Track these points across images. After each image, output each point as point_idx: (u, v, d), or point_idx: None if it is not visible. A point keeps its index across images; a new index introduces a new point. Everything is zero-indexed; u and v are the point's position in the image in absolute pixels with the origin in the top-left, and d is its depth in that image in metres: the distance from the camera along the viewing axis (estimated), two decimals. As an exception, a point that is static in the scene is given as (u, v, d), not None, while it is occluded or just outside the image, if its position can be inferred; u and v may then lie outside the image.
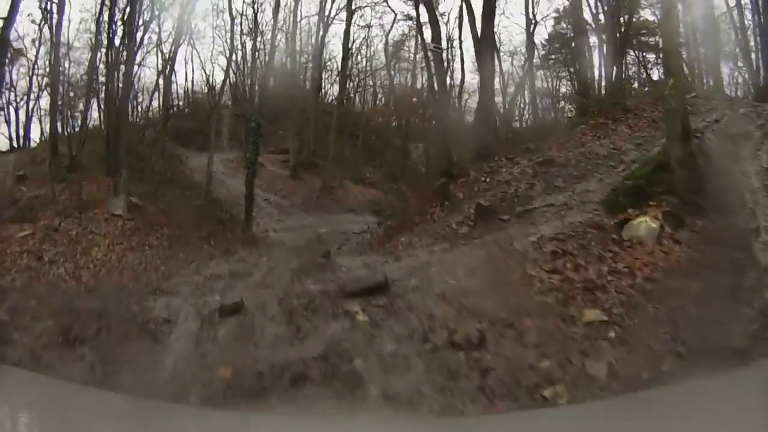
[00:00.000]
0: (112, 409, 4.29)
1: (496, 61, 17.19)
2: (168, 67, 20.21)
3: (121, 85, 18.69)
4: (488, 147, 14.93)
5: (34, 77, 21.73)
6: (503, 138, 15.92)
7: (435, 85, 17.75)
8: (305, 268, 10.70)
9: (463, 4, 17.08)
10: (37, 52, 21.02)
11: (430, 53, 16.93)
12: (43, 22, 19.60)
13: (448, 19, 22.63)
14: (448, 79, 21.67)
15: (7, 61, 19.43)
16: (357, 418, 6.55)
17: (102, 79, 19.35)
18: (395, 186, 21.31)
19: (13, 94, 21.68)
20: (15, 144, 21.99)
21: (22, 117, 21.57)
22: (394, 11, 21.98)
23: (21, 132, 21.95)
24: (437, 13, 16.42)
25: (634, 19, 18.41)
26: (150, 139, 20.84)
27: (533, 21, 21.08)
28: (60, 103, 20.08)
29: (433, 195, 14.10)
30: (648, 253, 9.69)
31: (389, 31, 22.36)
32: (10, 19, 18.10)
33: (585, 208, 11.41)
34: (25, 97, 21.89)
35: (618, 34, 18.55)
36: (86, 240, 12.18)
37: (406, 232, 13.02)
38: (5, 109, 21.78)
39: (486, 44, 16.06)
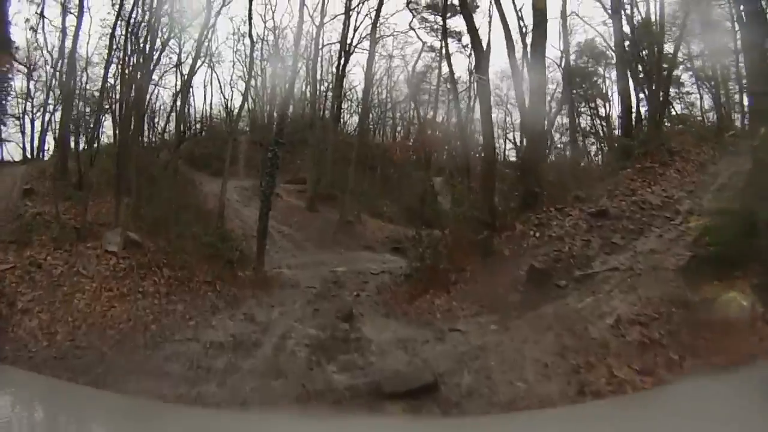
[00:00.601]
0: (112, 409, 3.91)
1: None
2: (185, 88, 17.59)
3: (132, 97, 16.13)
4: (535, 194, 12.26)
5: (51, 90, 19.13)
6: (547, 183, 13.11)
7: (477, 117, 15.05)
8: (325, 343, 8.05)
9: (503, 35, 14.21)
10: (56, 64, 18.48)
11: (475, 84, 14.32)
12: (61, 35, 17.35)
13: (470, 52, 20.45)
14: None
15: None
16: (357, 418, 5.86)
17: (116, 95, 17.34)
18: (418, 226, 18.77)
19: (30, 104, 19.85)
20: (29, 155, 20.14)
21: (38, 128, 19.71)
22: (421, 39, 19.49)
23: (36, 143, 20.10)
24: (480, 42, 13.68)
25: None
26: (164, 161, 18.16)
27: (562, 54, 18.52)
28: (73, 116, 17.88)
29: (472, 248, 11.36)
30: (744, 338, 7.44)
31: (416, 61, 19.75)
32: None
33: (658, 276, 9.16)
34: (42, 109, 19.69)
35: (650, 68, 15.86)
36: (70, 283, 9.67)
37: (441, 291, 10.41)
38: (21, 119, 20.00)
39: (536, 80, 13.39)
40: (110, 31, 15.95)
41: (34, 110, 19.90)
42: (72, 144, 17.79)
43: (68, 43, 17.62)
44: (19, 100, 19.92)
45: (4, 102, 20.02)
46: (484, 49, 14.02)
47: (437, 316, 9.68)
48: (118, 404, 4.36)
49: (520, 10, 16.09)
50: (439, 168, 22.66)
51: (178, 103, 19.30)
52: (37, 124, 20.03)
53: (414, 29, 19.72)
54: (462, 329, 8.57)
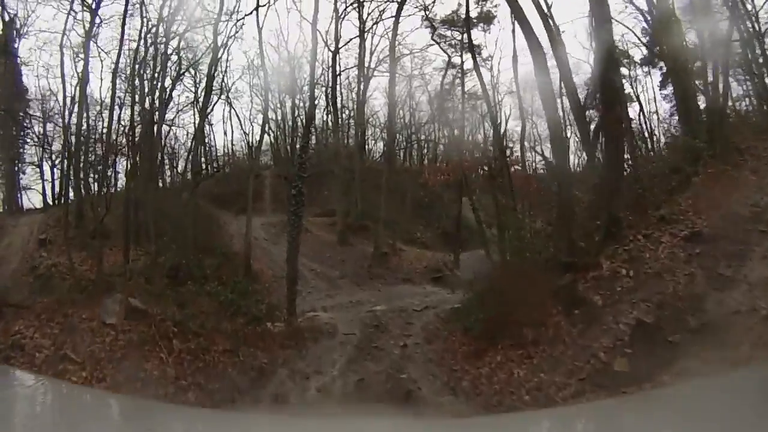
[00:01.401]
0: (112, 409, 3.75)
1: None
2: (201, 124, 15.09)
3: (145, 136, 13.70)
4: (617, 221, 9.03)
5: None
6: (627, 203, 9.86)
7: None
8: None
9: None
10: (71, 110, 16.16)
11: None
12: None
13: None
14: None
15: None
16: (357, 418, 5.15)
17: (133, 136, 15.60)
18: (456, 251, 15.86)
19: (48, 151, 17.68)
20: (50, 201, 17.94)
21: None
22: (446, 52, 16.72)
23: (57, 189, 17.78)
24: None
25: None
26: (183, 201, 15.57)
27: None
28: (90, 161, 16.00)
29: (550, 294, 8.17)
30: None
31: (443, 77, 16.96)
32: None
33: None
34: (60, 155, 17.52)
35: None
36: (54, 371, 6.70)
37: (515, 352, 7.33)
38: (40, 166, 17.75)
39: (608, 89, 10.20)
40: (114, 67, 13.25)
41: (53, 157, 17.75)
42: (91, 190, 15.78)
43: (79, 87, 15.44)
44: (37, 148, 17.78)
45: (21, 150, 18.23)
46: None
47: (524, 397, 6.59)
48: (118, 404, 4.07)
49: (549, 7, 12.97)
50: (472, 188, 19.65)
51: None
52: (57, 171, 17.84)
53: (437, 41, 16.82)
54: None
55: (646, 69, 17.58)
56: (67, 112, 16.08)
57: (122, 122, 15.85)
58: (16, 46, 16.59)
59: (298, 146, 15.50)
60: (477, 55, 18.20)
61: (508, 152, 15.19)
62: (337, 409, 6.63)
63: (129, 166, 14.28)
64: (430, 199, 20.80)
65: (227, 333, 8.70)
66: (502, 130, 16.74)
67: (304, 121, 16.81)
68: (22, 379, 4.68)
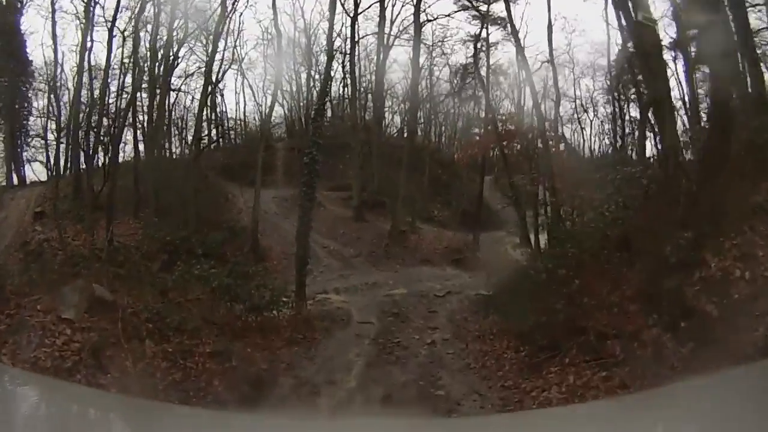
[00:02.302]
0: (112, 409, 3.37)
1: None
2: (206, 91, 12.93)
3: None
4: (722, 210, 6.48)
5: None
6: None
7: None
8: None
9: None
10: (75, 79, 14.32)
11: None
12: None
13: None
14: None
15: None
16: (357, 418, 4.71)
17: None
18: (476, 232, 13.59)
19: (54, 123, 15.69)
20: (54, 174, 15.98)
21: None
22: (480, 13, 14.11)
23: (62, 162, 15.70)
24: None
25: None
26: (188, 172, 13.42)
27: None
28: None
29: (648, 301, 5.79)
30: None
31: (475, 42, 14.44)
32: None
33: None
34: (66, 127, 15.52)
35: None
36: None
37: (602, 378, 4.93)
38: (44, 138, 15.87)
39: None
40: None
41: (60, 129, 15.75)
42: (92, 161, 13.73)
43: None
44: (41, 119, 15.99)
45: (25, 122, 16.17)
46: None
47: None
48: (118, 404, 3.68)
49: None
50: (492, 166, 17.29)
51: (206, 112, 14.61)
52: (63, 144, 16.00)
53: (471, 3, 14.16)
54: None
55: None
56: (70, 81, 14.43)
57: (125, 90, 13.91)
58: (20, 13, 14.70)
59: (313, 110, 13.20)
60: (504, 27, 15.86)
61: (547, 125, 12.72)
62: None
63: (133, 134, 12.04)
64: (448, 177, 18.59)
65: (218, 328, 6.52)
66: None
67: (320, 83, 14.51)
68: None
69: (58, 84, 15.19)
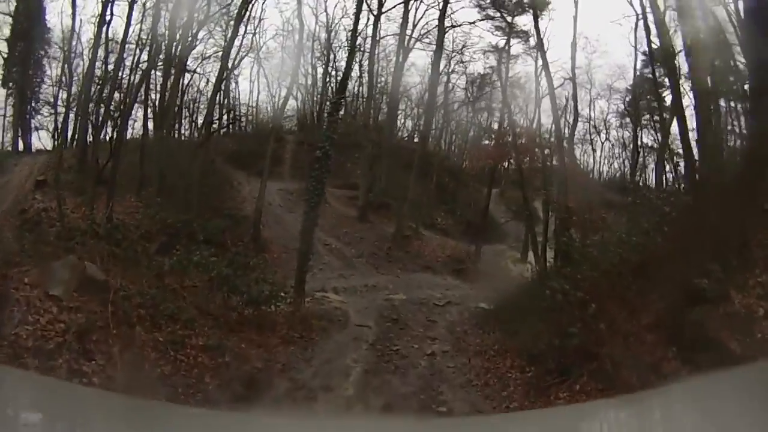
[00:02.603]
0: (112, 409, 3.23)
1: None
2: (220, 77, 12.52)
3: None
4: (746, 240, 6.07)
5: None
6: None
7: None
8: None
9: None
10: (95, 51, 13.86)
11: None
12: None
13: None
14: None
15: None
16: (357, 418, 4.70)
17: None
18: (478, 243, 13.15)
19: (65, 92, 15.17)
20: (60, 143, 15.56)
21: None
22: (506, 21, 13.73)
23: (69, 132, 15.27)
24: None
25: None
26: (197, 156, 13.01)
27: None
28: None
29: (667, 331, 5.34)
30: None
31: (501, 50, 14.09)
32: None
33: None
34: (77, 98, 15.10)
35: None
36: None
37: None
38: (54, 107, 15.34)
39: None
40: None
41: (71, 99, 15.20)
42: (101, 133, 13.32)
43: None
44: (53, 88, 15.39)
45: (36, 89, 15.67)
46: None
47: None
48: (118, 404, 3.49)
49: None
50: (500, 179, 16.96)
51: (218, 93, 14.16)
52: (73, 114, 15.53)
53: (500, 12, 13.79)
54: None
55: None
56: (85, 53, 13.94)
57: (140, 66, 13.49)
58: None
59: (329, 104, 12.76)
60: (526, 41, 15.51)
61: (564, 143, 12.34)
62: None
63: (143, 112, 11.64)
64: (454, 186, 18.20)
65: (213, 319, 6.09)
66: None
67: (337, 78, 14.12)
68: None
69: (74, 54, 15.07)
